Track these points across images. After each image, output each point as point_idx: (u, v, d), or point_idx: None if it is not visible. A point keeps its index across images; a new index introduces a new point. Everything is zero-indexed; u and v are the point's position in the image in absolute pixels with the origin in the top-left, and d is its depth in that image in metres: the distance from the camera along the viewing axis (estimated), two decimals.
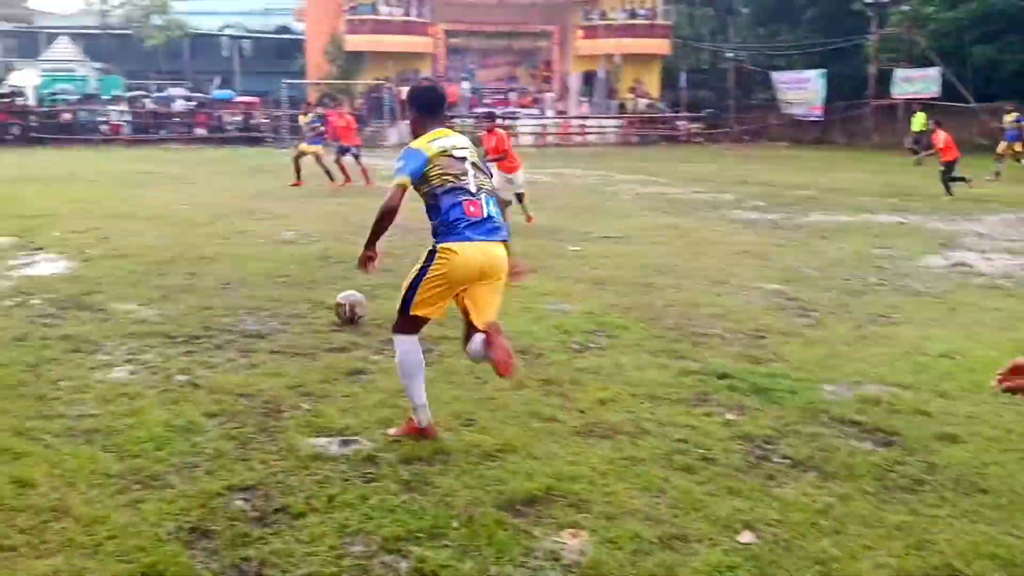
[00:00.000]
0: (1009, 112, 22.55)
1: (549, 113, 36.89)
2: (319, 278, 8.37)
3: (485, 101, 36.89)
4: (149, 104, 34.88)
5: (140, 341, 6.10)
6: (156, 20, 42.45)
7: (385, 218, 4.08)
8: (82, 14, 48.94)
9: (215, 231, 11.21)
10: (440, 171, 4.07)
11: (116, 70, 41.34)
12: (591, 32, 37.99)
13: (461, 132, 4.52)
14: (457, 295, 4.10)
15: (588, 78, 38.42)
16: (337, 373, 5.44)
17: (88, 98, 33.97)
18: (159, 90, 38.00)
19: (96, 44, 42.47)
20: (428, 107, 4.36)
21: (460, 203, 4.02)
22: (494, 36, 38.39)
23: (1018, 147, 21.91)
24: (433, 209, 4.07)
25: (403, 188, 4.08)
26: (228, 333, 6.37)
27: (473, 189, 4.07)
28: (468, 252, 3.96)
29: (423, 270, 4.02)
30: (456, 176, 4.07)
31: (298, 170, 17.38)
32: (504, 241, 4.10)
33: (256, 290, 7.78)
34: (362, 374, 5.45)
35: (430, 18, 36.96)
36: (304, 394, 5.05)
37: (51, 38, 41.88)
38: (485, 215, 4.04)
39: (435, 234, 4.07)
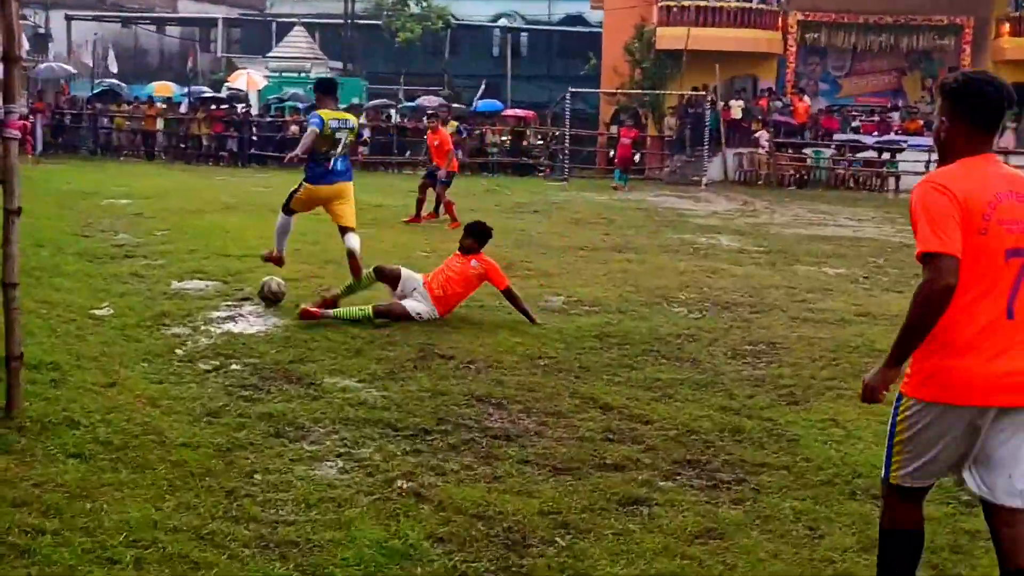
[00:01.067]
0: None
1: None
2: (592, 364, 8.59)
3: (852, 125, 36.20)
4: (395, 116, 37.81)
5: (356, 430, 6.59)
6: (412, 8, 46.00)
7: (304, 147, 10.40)
8: None
9: None
10: (324, 143, 10.30)
11: (358, 71, 45.31)
12: (1022, 27, 36.25)
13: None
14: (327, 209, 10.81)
15: (1017, 94, 36.58)
16: (607, 500, 5.55)
17: None
18: (409, 98, 41.06)
19: (336, 38, 46.88)
20: (327, 91, 10.99)
21: (321, 162, 10.35)
22: (870, 31, 37.68)
23: None
24: (308, 160, 10.41)
25: (315, 134, 10.26)
26: (467, 429, 6.70)
27: (333, 153, 10.37)
28: (319, 190, 10.50)
29: (294, 192, 10.62)
30: (328, 147, 10.36)
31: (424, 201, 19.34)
32: (345, 181, 10.60)
33: (507, 374, 8.14)
34: (642, 505, 5.53)
35: (779, 6, 37.08)
36: (560, 525, 5.20)
37: (284, 30, 46.82)
38: (332, 168, 10.40)
39: (305, 174, 10.55)
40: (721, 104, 34.92)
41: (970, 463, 3.88)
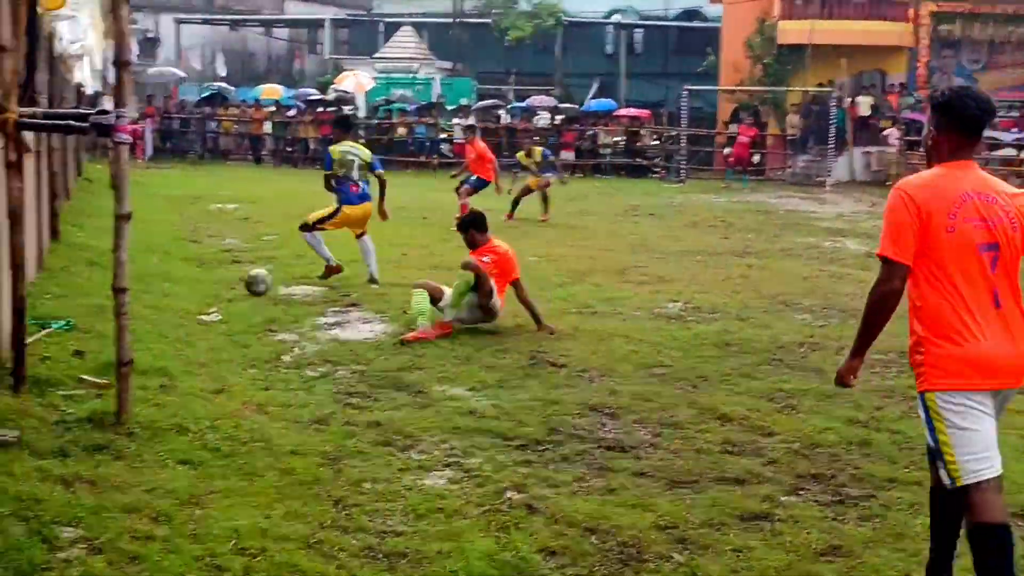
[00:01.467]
0: None
1: None
2: (711, 373, 8.55)
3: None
4: (504, 117, 37.99)
5: (466, 439, 6.66)
6: (523, 5, 46.20)
7: (327, 181, 12.70)
8: None
9: (572, 295, 11.89)
10: (341, 167, 12.39)
11: (467, 70, 45.62)
12: None
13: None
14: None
15: None
16: (727, 515, 5.53)
17: (429, 108, 37.90)
18: (519, 98, 41.24)
19: (444, 37, 47.26)
20: (343, 127, 13.61)
21: (348, 186, 12.39)
22: (1009, 22, 36.67)
23: None
24: (337, 186, 12.42)
25: (329, 174, 12.52)
26: (580, 440, 6.73)
27: (355, 177, 12.39)
28: (354, 210, 12.41)
29: (329, 217, 12.42)
30: (347, 171, 12.36)
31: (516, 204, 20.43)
32: (368, 201, 12.56)
33: (621, 383, 8.15)
34: (764, 520, 5.50)
35: None
36: (677, 540, 5.19)
37: (392, 30, 47.41)
38: (360, 192, 12.45)
39: (337, 199, 12.42)
40: (848, 101, 34.38)
41: None
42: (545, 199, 20.55)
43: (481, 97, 41.59)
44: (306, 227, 12.47)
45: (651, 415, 7.34)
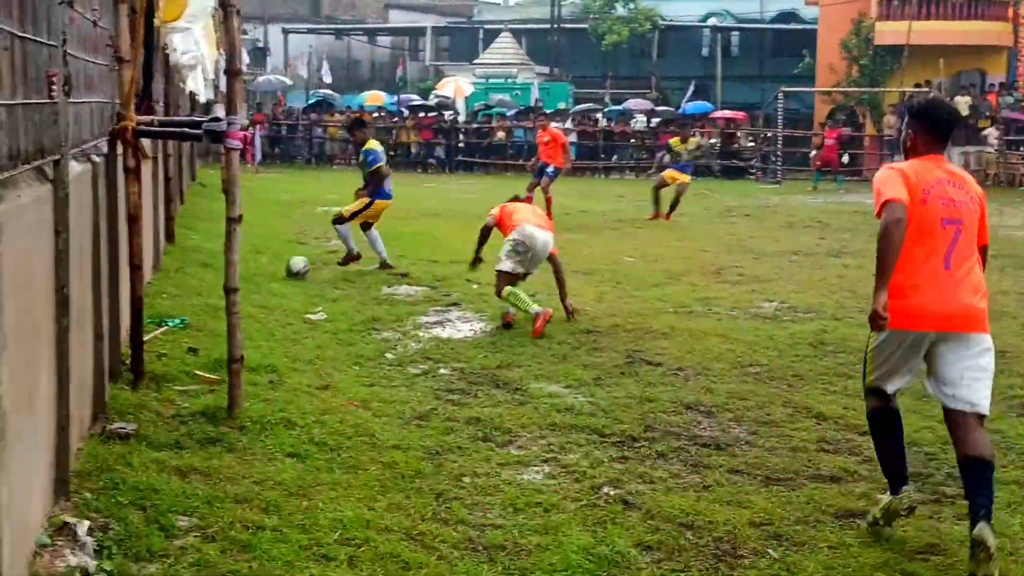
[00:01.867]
0: None
1: None
2: (806, 372, 8.47)
3: None
4: (602, 121, 37.97)
5: (563, 436, 6.69)
6: (619, 10, 46.12)
7: (379, 173, 13.50)
8: (530, 4, 55.14)
9: (668, 295, 11.84)
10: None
11: (564, 75, 45.70)
12: None
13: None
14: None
15: None
16: (823, 512, 5.49)
17: (527, 112, 38.02)
18: (615, 102, 41.20)
19: (542, 42, 47.42)
20: (364, 125, 14.72)
21: (384, 181, 13.49)
22: None
23: None
24: (373, 181, 13.51)
25: (384, 166, 13.70)
26: (675, 437, 6.72)
27: (389, 175, 13.87)
28: (385, 204, 13.61)
29: (368, 205, 13.43)
30: (387, 169, 13.80)
31: (657, 201, 20.64)
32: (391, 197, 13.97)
33: (717, 382, 8.11)
34: (859, 518, 5.44)
35: None
36: (773, 536, 5.17)
37: (491, 36, 47.69)
38: (388, 188, 13.65)
39: (371, 193, 13.48)
40: (949, 100, 33.67)
41: (932, 377, 5.19)
42: (677, 201, 20.48)
43: (578, 101, 41.71)
44: (340, 220, 13.53)
45: (746, 413, 7.30)
